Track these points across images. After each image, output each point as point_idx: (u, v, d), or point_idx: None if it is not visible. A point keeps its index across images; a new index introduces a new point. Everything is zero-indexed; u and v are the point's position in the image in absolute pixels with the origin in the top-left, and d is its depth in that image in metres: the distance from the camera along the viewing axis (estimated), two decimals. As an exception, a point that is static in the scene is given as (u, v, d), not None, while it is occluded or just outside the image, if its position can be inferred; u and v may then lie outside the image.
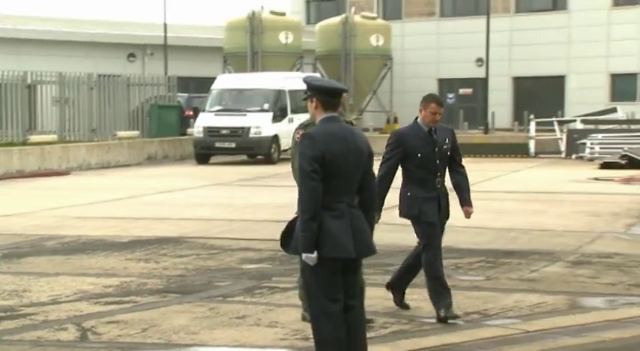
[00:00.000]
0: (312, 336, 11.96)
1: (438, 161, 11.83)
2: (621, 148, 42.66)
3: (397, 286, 13.81)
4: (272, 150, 45.80)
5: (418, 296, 14.85)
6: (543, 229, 23.82)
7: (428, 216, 11.87)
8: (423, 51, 71.26)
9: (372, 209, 10.33)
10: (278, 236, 21.83)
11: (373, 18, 69.11)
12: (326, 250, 9.49)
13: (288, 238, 10.00)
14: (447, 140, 11.96)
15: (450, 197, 12.90)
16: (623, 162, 40.33)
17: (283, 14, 66.72)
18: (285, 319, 14.25)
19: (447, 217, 12.71)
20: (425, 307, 14.30)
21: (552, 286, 16.85)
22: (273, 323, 13.97)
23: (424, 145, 11.56)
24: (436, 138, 11.82)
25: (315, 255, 9.49)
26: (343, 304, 9.81)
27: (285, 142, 45.37)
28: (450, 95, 71.42)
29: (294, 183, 39.21)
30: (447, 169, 12.37)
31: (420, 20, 74.68)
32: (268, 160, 45.53)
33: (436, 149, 11.69)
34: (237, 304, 15.46)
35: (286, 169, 41.06)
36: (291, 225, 9.97)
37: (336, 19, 66.53)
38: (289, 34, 63.41)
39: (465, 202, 12.26)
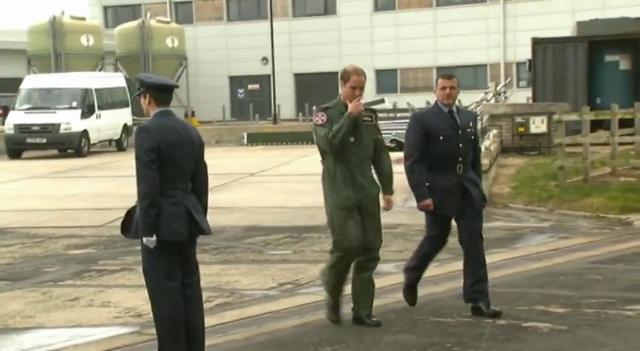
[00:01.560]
0: (144, 313, 12.77)
1: (460, 145, 9.85)
2: (390, 133, 43.14)
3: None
4: (82, 144, 45.13)
5: (236, 271, 15.13)
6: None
7: (446, 208, 10.00)
8: (214, 51, 71.37)
9: (204, 194, 10.12)
10: (99, 223, 21.85)
11: (168, 22, 69.38)
12: (163, 234, 9.42)
13: (128, 224, 9.76)
14: (471, 124, 10.13)
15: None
16: (393, 145, 40.80)
17: (83, 19, 66.33)
18: (117, 299, 14.00)
19: (481, 202, 10.42)
20: (243, 280, 14.49)
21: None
22: (105, 303, 13.69)
23: (446, 127, 9.79)
24: (460, 120, 10.02)
25: (154, 238, 9.40)
26: (181, 282, 9.75)
27: (94, 137, 46.31)
28: (240, 91, 72.17)
29: (106, 174, 38.77)
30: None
31: (210, 24, 75.14)
32: (79, 154, 44.70)
33: (459, 132, 9.85)
34: (69, 287, 15.01)
35: (97, 161, 41.45)
36: (130, 212, 9.71)
37: (133, 23, 66.34)
38: (90, 37, 63.08)
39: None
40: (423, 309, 11.52)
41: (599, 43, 33.75)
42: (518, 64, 54.78)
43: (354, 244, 9.24)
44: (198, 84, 67.43)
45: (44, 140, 44.44)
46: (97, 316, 12.92)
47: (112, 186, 31.26)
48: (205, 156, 10.04)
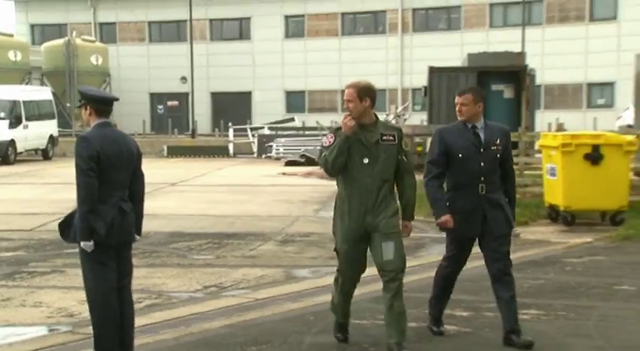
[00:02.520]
0: (76, 313, 12.83)
1: (482, 163, 8.43)
2: (299, 149, 44.30)
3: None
4: (9, 152, 44.85)
5: (162, 274, 15.03)
6: (252, 215, 24.00)
7: (465, 230, 8.61)
8: (137, 69, 70.96)
9: (141, 201, 10.16)
10: (28, 227, 21.56)
11: (92, 41, 69.00)
12: (100, 238, 9.41)
13: (66, 228, 9.71)
14: (499, 141, 8.54)
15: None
16: (303, 160, 41.74)
17: (11, 35, 65.44)
18: (49, 299, 13.78)
19: (508, 228, 8.89)
20: (170, 283, 14.41)
21: (269, 261, 17.16)
22: (37, 303, 13.52)
23: (467, 145, 8.34)
24: (483, 136, 8.50)
25: (91, 243, 9.42)
26: (116, 284, 9.78)
27: (21, 146, 46.09)
28: (160, 107, 72.20)
29: (33, 181, 38.25)
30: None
31: (132, 44, 74.65)
32: (6, 161, 44.18)
33: (482, 150, 8.40)
34: (0, 288, 14.76)
35: (24, 168, 41.47)
36: (69, 216, 9.67)
37: (59, 41, 65.84)
38: (17, 53, 62.14)
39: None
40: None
41: (486, 73, 34.15)
42: (414, 90, 54.79)
43: (353, 276, 8.57)
44: (121, 99, 66.70)
45: None
46: (30, 316, 12.80)
47: (39, 192, 30.84)
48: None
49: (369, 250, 8.67)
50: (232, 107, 66.65)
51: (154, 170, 38.39)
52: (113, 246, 9.66)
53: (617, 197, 19.50)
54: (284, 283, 14.81)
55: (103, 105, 9.83)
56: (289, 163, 42.34)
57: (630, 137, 20.02)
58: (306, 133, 51.08)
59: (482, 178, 8.20)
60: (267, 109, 66.71)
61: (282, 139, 48.40)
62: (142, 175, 10.09)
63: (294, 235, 20.55)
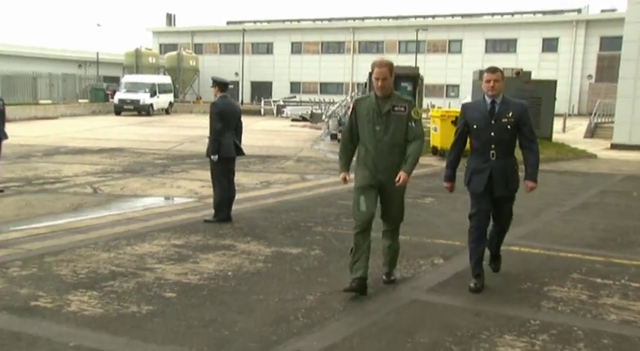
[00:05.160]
0: (199, 192, 12.61)
1: (492, 133, 6.36)
2: (299, 112, 43.65)
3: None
4: (150, 110, 44.72)
5: (237, 175, 15.09)
6: (278, 146, 23.33)
7: (474, 187, 6.54)
8: (212, 68, 65.82)
9: (240, 135, 10.08)
10: (165, 148, 21.54)
11: (190, 53, 65.47)
12: (221, 153, 9.52)
13: (208, 151, 9.74)
14: (511, 114, 6.37)
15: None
16: (300, 118, 41.32)
17: (150, 49, 64.43)
18: (183, 184, 13.61)
19: (511, 188, 6.54)
20: (242, 179, 14.01)
21: (291, 170, 16.73)
22: (177, 186, 13.40)
23: (481, 118, 6.38)
24: (497, 110, 6.38)
25: (216, 156, 9.50)
26: (227, 179, 9.84)
27: (156, 106, 46.14)
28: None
29: (163, 125, 37.39)
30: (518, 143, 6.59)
31: (211, 55, 71.21)
32: (148, 114, 44.19)
33: (492, 122, 6.35)
34: (159, 177, 14.67)
35: (157, 118, 41.46)
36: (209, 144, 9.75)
37: (174, 53, 62.94)
38: (153, 58, 61.68)
39: (527, 176, 6.45)
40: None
41: (398, 76, 33.52)
42: (358, 84, 54.45)
43: (362, 217, 6.04)
44: (204, 84, 66.03)
45: (132, 107, 44.28)
46: (176, 192, 12.80)
47: (166, 131, 30.49)
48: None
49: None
50: (262, 89, 65.32)
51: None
52: (228, 158, 9.72)
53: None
54: (301, 182, 14.52)
55: (223, 86, 9.79)
56: (294, 120, 41.49)
57: None
58: (302, 103, 50.09)
59: (493, 146, 6.25)
60: (280, 91, 65.04)
61: (289, 107, 47.89)
62: (241, 122, 10.03)
63: (302, 157, 20.03)
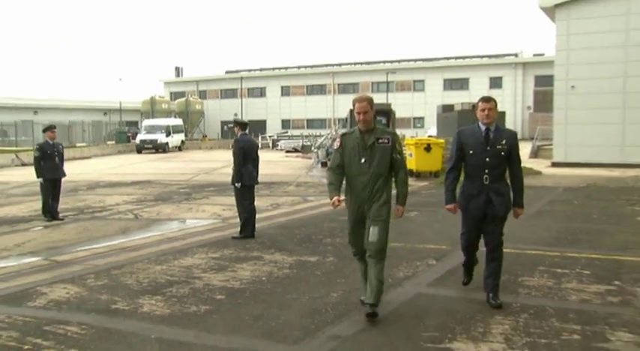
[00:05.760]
0: (222, 214, 12.43)
1: (487, 159, 5.66)
2: (291, 145, 43.91)
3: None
4: (166, 148, 44.47)
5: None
6: (279, 174, 23.05)
7: (470, 211, 5.75)
8: (214, 111, 68.33)
9: (257, 166, 10.02)
10: (185, 179, 21.46)
11: (196, 98, 65.45)
12: (245, 181, 9.65)
13: (233, 179, 9.82)
14: (505, 141, 5.69)
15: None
16: (293, 150, 41.34)
17: (163, 97, 64.13)
18: (206, 208, 13.54)
19: (505, 209, 5.70)
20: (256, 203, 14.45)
21: (294, 193, 16.44)
22: (201, 210, 13.33)
23: (477, 143, 5.68)
24: (492, 137, 5.70)
25: (239, 184, 9.60)
26: (249, 202, 9.87)
27: (171, 144, 45.86)
28: (225, 127, 69.95)
29: (178, 160, 36.72)
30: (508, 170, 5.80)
31: (213, 99, 70.43)
32: (164, 151, 43.83)
33: (488, 148, 5.67)
34: (184, 204, 14.48)
35: (172, 155, 41.42)
36: (234, 174, 9.81)
37: (183, 99, 62.91)
38: (166, 104, 60.94)
39: (516, 202, 5.74)
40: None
41: (377, 111, 33.75)
42: (339, 119, 54.63)
43: (357, 248, 5.51)
44: (207, 123, 66.08)
45: (151, 146, 43.95)
46: (201, 215, 12.74)
47: (181, 165, 30.15)
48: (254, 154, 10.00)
49: None
50: (258, 127, 64.49)
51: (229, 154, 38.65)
52: (250, 185, 9.80)
53: (436, 165, 19.82)
54: (304, 203, 14.44)
55: (244, 126, 9.86)
56: (287, 151, 41.49)
57: (441, 140, 20.55)
58: (293, 137, 50.31)
59: (487, 171, 5.59)
60: (273, 128, 64.52)
61: (282, 141, 47.95)
62: (258, 156, 10.01)
63: (301, 182, 20.00)
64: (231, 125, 62.95)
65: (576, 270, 7.04)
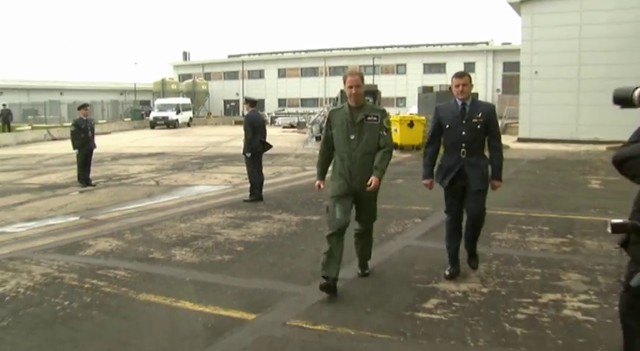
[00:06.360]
0: (232, 181, 12.42)
1: (463, 132, 4.97)
2: (287, 121, 43.11)
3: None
4: (176, 124, 43.72)
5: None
6: (279, 147, 19.81)
7: (445, 183, 5.07)
8: (218, 91, 66.81)
9: (264, 136, 9.90)
10: (196, 151, 21.33)
11: (202, 80, 63.88)
12: (253, 150, 9.71)
13: (244, 149, 9.75)
14: (481, 114, 4.99)
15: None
16: (290, 126, 40.63)
17: (172, 78, 62.98)
18: (218, 176, 13.43)
19: (482, 182, 4.99)
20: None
21: (294, 164, 16.53)
22: (214, 177, 13.34)
23: (453, 117, 5.00)
24: (467, 111, 4.99)
25: (250, 153, 9.68)
26: (258, 169, 9.90)
27: (180, 121, 44.88)
28: (228, 105, 68.90)
29: (186, 135, 36.28)
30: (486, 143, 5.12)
31: (217, 81, 68.59)
32: (174, 127, 43.06)
33: (463, 121, 4.97)
34: (198, 172, 14.48)
35: (182, 130, 41.44)
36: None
37: (190, 80, 61.87)
38: (175, 85, 59.95)
39: (494, 174, 5.04)
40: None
41: (364, 91, 33.07)
42: (329, 99, 54.34)
43: (338, 224, 4.75)
44: (211, 102, 65.34)
45: (163, 122, 43.18)
46: (213, 181, 12.75)
47: (191, 139, 29.78)
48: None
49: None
50: (257, 105, 64.58)
51: (236, 129, 38.36)
52: (258, 153, 9.85)
53: (418, 139, 19.78)
54: (303, 172, 14.48)
55: (253, 103, 10.14)
56: (285, 127, 40.91)
57: (422, 117, 20.65)
58: (289, 115, 49.85)
59: (464, 144, 4.94)
60: (271, 106, 62.99)
61: (280, 117, 47.43)
62: (266, 129, 10.04)
63: (299, 154, 19.90)
64: (233, 104, 60.90)
65: (538, 227, 7.35)
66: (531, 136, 24.34)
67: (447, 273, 5.19)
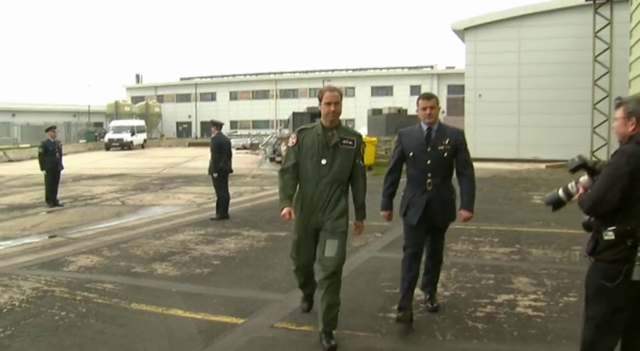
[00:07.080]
0: (196, 201, 12.44)
1: (428, 161, 4.31)
2: (241, 143, 42.76)
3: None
4: (131, 145, 43.44)
5: None
6: (235, 168, 21.81)
7: (409, 218, 4.42)
8: (170, 113, 65.59)
9: (229, 159, 10.03)
10: (154, 172, 21.02)
11: (155, 102, 63.43)
12: (220, 170, 9.94)
13: (210, 170, 9.98)
14: (448, 141, 4.35)
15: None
16: (242, 148, 40.61)
17: (126, 101, 61.90)
18: (181, 197, 13.50)
19: (447, 219, 4.54)
20: None
21: (252, 184, 16.64)
22: (176, 197, 13.36)
23: (417, 144, 4.36)
24: (433, 137, 4.35)
25: (216, 174, 9.91)
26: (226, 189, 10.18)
27: (135, 143, 44.38)
28: (180, 127, 67.81)
29: (144, 156, 35.32)
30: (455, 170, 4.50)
31: (170, 103, 67.21)
32: (130, 149, 42.71)
33: (428, 149, 4.33)
34: (161, 192, 14.57)
35: (137, 152, 40.79)
36: (211, 165, 9.88)
37: (143, 103, 61.32)
38: (128, 107, 58.88)
39: (463, 205, 4.43)
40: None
41: (313, 114, 31.89)
42: (281, 121, 54.70)
43: (301, 263, 4.33)
44: (163, 124, 64.46)
45: (118, 144, 42.71)
46: (176, 202, 12.74)
47: (148, 160, 29.58)
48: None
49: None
50: (209, 127, 63.76)
51: (190, 151, 37.67)
52: (223, 174, 9.91)
53: (370, 160, 19.94)
54: (262, 191, 14.53)
55: (219, 126, 10.31)
56: (237, 149, 40.41)
57: (374, 138, 21.21)
58: (241, 136, 50.02)
59: (430, 174, 4.33)
60: (222, 128, 63.83)
61: (232, 139, 47.09)
62: (231, 151, 10.21)
63: (255, 175, 19.98)
64: (185, 126, 59.32)
65: (488, 238, 7.89)
66: (476, 156, 24.70)
67: (400, 316, 4.40)
